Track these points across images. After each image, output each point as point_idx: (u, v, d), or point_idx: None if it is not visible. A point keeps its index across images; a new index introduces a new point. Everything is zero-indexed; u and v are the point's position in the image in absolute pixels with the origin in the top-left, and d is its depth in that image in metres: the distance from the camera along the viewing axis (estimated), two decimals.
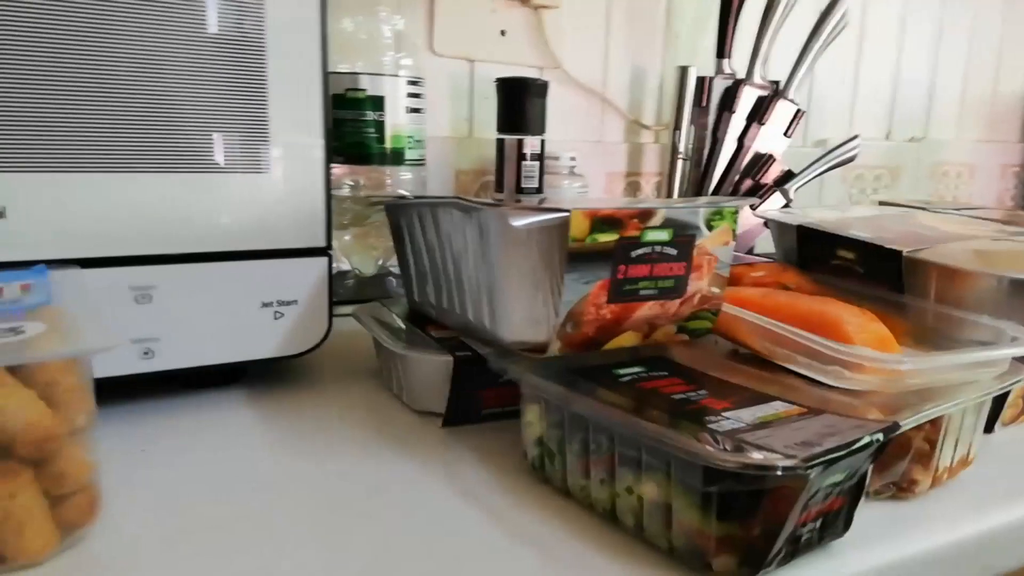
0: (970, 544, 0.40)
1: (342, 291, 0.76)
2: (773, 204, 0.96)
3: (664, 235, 0.40)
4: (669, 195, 1.01)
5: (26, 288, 0.38)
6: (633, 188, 1.06)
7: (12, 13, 0.40)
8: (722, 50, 0.99)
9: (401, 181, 0.80)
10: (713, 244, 0.41)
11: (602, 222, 0.38)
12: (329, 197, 0.51)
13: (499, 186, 0.86)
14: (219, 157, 0.46)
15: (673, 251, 0.40)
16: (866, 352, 0.38)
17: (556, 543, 0.35)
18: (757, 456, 0.30)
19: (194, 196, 0.46)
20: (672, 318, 0.42)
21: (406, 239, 0.51)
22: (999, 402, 0.49)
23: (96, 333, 0.32)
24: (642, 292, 0.40)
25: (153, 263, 0.46)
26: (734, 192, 0.99)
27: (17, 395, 0.29)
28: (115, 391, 0.47)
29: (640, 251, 0.39)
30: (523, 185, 0.85)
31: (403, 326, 0.52)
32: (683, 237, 0.40)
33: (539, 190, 0.86)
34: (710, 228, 0.41)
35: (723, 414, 0.36)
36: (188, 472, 0.40)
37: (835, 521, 0.35)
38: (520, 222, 0.37)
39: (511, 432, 0.46)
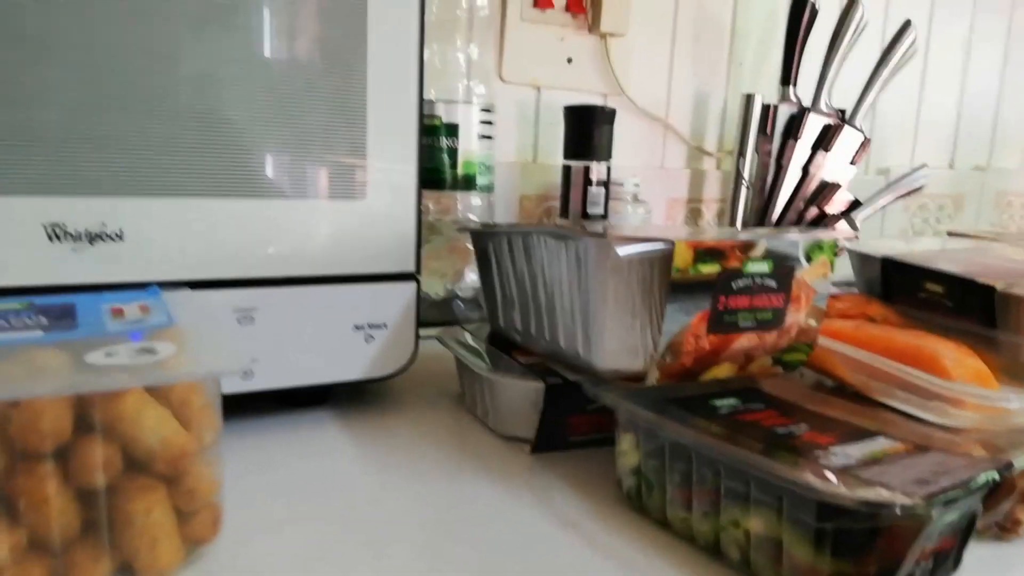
0: None
1: (423, 314, 0.77)
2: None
3: (765, 267, 0.40)
4: (732, 222, 1.01)
5: (145, 309, 0.40)
6: (694, 214, 1.06)
7: (130, 40, 0.42)
8: (787, 77, 0.99)
9: (471, 206, 0.82)
10: (812, 276, 0.42)
11: (705, 253, 0.38)
12: (420, 223, 0.52)
13: (564, 211, 0.87)
14: (319, 184, 0.48)
15: (773, 283, 0.41)
16: (970, 388, 0.38)
17: (657, 573, 0.35)
18: (879, 493, 0.30)
19: (294, 221, 0.48)
20: (769, 350, 0.42)
21: (493, 265, 0.52)
22: None
23: (223, 354, 0.33)
24: (741, 323, 0.41)
25: (256, 286, 0.47)
26: (799, 220, 0.98)
27: (155, 413, 0.31)
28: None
29: (741, 282, 0.40)
30: (589, 211, 0.86)
31: (487, 350, 0.53)
32: (783, 269, 0.41)
33: (604, 216, 0.87)
34: (809, 260, 0.41)
35: (829, 449, 0.35)
36: (293, 490, 0.41)
37: (946, 561, 0.35)
38: (626, 251, 0.37)
39: (599, 461, 0.46)
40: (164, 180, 0.44)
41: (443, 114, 0.77)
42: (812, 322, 0.43)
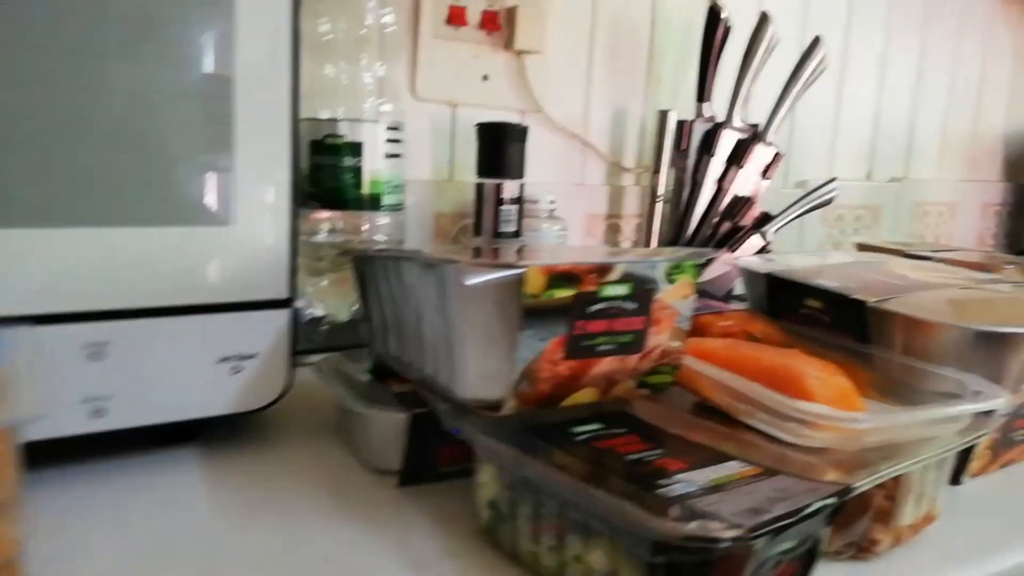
0: None
1: (316, 337, 0.75)
2: (752, 247, 0.96)
3: (623, 289, 0.39)
4: (648, 238, 1.01)
5: None
6: (614, 230, 1.06)
7: None
8: (702, 93, 1.00)
9: (379, 227, 0.80)
10: (673, 298, 0.41)
11: (559, 277, 0.38)
12: (295, 247, 0.50)
13: (478, 230, 0.86)
14: (179, 210, 0.46)
15: (632, 305, 0.40)
16: (822, 410, 0.38)
17: None
18: (703, 527, 0.29)
19: (152, 249, 0.46)
20: (631, 373, 0.42)
21: (371, 291, 0.51)
22: (966, 454, 0.49)
23: (30, 398, 0.31)
24: (600, 348, 0.40)
25: (108, 319, 0.45)
26: (713, 235, 0.99)
27: None
28: (67, 450, 0.47)
29: (598, 306, 0.39)
30: (501, 229, 0.85)
31: (365, 380, 0.51)
32: (642, 291, 0.40)
33: (517, 234, 0.86)
34: (670, 282, 0.41)
35: (676, 476, 0.35)
36: (128, 542, 0.39)
37: None
38: (473, 280, 0.37)
39: (468, 491, 0.45)
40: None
41: (347, 133, 0.76)
42: (675, 344, 0.42)
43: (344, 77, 0.77)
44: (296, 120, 0.49)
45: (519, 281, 0.37)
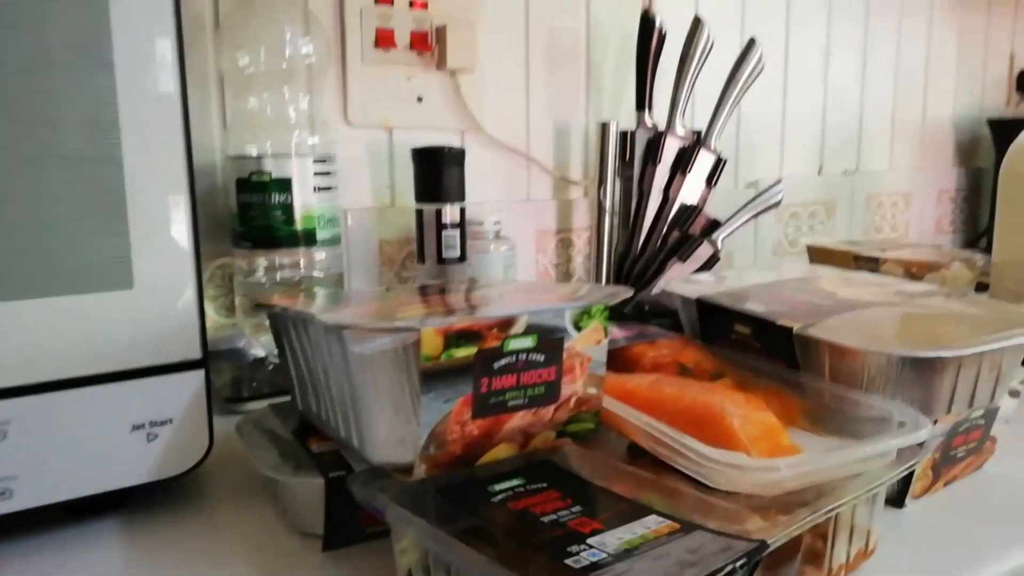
0: None
1: (260, 378, 0.73)
2: (701, 256, 0.95)
3: (528, 342, 0.38)
4: (599, 251, 1.00)
5: None
6: (566, 244, 1.05)
7: None
8: (642, 103, 0.99)
9: (316, 262, 0.79)
10: (584, 345, 0.40)
11: (458, 336, 0.36)
12: (202, 305, 0.48)
13: (420, 257, 0.85)
14: (74, 277, 0.44)
15: (540, 357, 0.39)
16: (737, 459, 0.37)
17: None
18: None
19: (47, 320, 0.44)
20: (549, 424, 0.41)
21: (285, 346, 0.49)
22: (907, 478, 0.48)
23: None
24: (511, 403, 0.38)
25: (5, 396, 0.43)
26: (663, 245, 0.98)
27: None
28: None
29: (503, 361, 0.38)
30: (445, 255, 0.84)
31: (288, 438, 0.49)
32: (550, 341, 0.39)
33: (462, 258, 0.85)
34: (579, 328, 0.39)
35: (588, 540, 0.33)
36: None
37: None
38: (362, 348, 0.35)
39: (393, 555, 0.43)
40: None
41: (273, 169, 0.74)
42: (592, 390, 0.41)
43: (269, 110, 0.75)
44: (191, 170, 0.47)
45: (415, 344, 0.35)
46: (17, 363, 0.43)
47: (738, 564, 0.31)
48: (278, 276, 0.77)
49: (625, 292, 0.41)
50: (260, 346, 0.78)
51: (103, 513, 0.49)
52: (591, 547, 0.33)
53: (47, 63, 0.42)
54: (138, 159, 0.45)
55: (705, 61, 0.97)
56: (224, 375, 0.75)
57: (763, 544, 0.32)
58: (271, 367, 0.76)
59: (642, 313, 0.90)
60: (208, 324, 0.80)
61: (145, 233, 0.46)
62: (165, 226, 0.47)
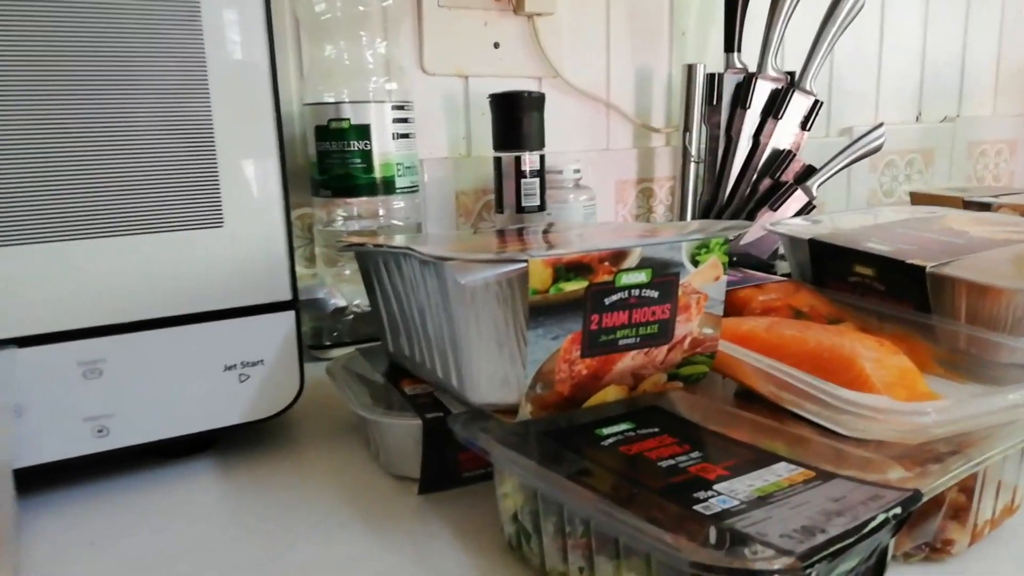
0: None
1: (341, 328, 0.73)
2: (795, 204, 0.90)
3: (642, 276, 0.35)
4: (683, 201, 0.95)
5: None
6: (646, 195, 1.01)
7: None
8: (731, 44, 0.93)
9: (394, 210, 0.77)
10: (701, 281, 0.37)
11: (567, 269, 0.33)
12: (291, 245, 0.47)
13: (499, 206, 0.82)
14: (165, 215, 0.43)
15: (654, 293, 0.36)
16: (881, 402, 0.33)
17: None
18: (743, 558, 0.25)
19: (140, 259, 0.43)
20: (661, 367, 0.38)
21: (376, 287, 0.47)
22: None
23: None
24: (622, 342, 0.36)
25: (100, 335, 0.42)
26: (752, 193, 0.93)
27: None
28: (73, 472, 0.45)
29: (615, 297, 0.35)
30: (524, 204, 0.81)
31: (380, 380, 0.48)
32: (665, 276, 0.36)
33: (542, 207, 0.82)
34: (695, 264, 0.36)
35: (715, 487, 0.31)
36: (138, 560, 0.37)
37: None
38: (468, 278, 0.33)
39: (493, 498, 0.41)
40: None
41: (351, 116, 0.72)
42: (708, 331, 0.38)
43: (346, 57, 0.73)
44: (279, 113, 0.45)
45: (523, 276, 0.33)
46: (110, 302, 0.43)
47: (892, 514, 0.27)
48: (357, 225, 0.76)
49: (745, 225, 0.38)
50: (341, 296, 0.77)
51: (194, 455, 0.48)
52: (720, 493, 0.30)
53: (139, 21, 0.41)
54: (226, 102, 0.44)
55: None
56: (305, 324, 0.74)
57: (917, 494, 0.29)
58: (351, 316, 0.75)
59: (731, 265, 0.85)
60: None
61: (234, 172, 0.45)
62: (253, 167, 0.45)
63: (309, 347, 0.68)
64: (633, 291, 0.35)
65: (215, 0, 0.43)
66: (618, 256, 0.34)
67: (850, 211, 0.85)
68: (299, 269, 0.82)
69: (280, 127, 0.46)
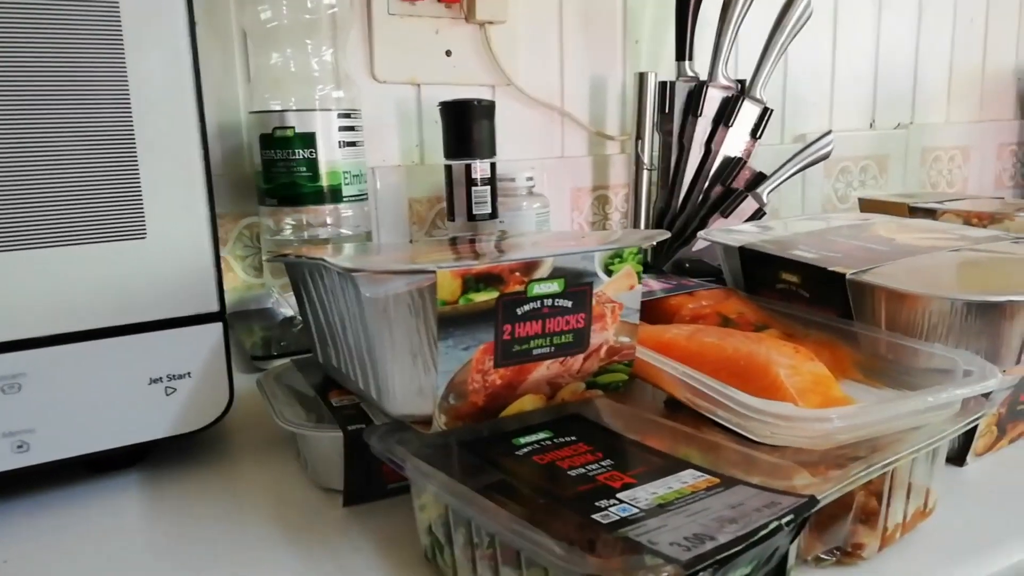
0: None
1: (289, 338, 0.72)
2: (746, 211, 0.91)
3: (554, 287, 0.35)
4: (636, 208, 0.96)
5: None
6: (602, 202, 1.02)
7: None
8: (682, 52, 0.94)
9: (343, 219, 0.77)
10: (615, 290, 0.37)
11: (476, 280, 0.33)
12: (218, 256, 0.47)
13: (451, 214, 0.82)
14: (85, 227, 0.43)
15: (568, 303, 0.36)
16: (786, 410, 0.33)
17: None
18: (628, 566, 0.25)
19: (60, 271, 0.42)
20: (578, 375, 0.38)
21: (304, 298, 0.47)
22: (969, 433, 0.44)
23: None
24: (536, 352, 0.36)
25: (17, 349, 0.42)
26: (704, 200, 0.94)
27: None
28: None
29: (527, 307, 0.35)
30: (475, 211, 0.81)
31: (311, 393, 0.48)
32: (578, 286, 0.36)
33: (493, 215, 0.82)
34: (609, 273, 0.37)
35: (619, 495, 0.31)
36: None
37: None
38: (372, 292, 0.33)
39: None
40: None
41: (296, 124, 0.72)
42: (624, 339, 0.38)
43: (292, 65, 0.73)
44: (203, 118, 0.45)
45: (433, 288, 0.33)
46: (29, 315, 0.42)
47: (784, 521, 0.28)
48: (306, 234, 0.76)
49: (661, 235, 0.38)
50: (289, 305, 0.77)
51: (123, 468, 0.48)
52: (621, 502, 0.30)
53: (56, 30, 0.40)
54: (148, 112, 0.43)
55: (750, 6, 0.91)
56: (254, 335, 0.74)
57: (812, 500, 0.29)
58: (300, 326, 0.75)
59: (682, 271, 0.86)
60: (237, 284, 0.80)
61: (157, 183, 0.44)
62: (177, 176, 0.45)
63: (258, 358, 0.67)
64: (546, 301, 0.35)
65: (136, 10, 0.43)
66: (529, 267, 0.34)
67: (790, 218, 0.86)
68: (247, 278, 0.81)
69: (205, 137, 0.45)
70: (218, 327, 0.47)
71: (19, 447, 0.42)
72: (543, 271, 0.35)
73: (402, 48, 0.86)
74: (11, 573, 0.38)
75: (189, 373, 0.46)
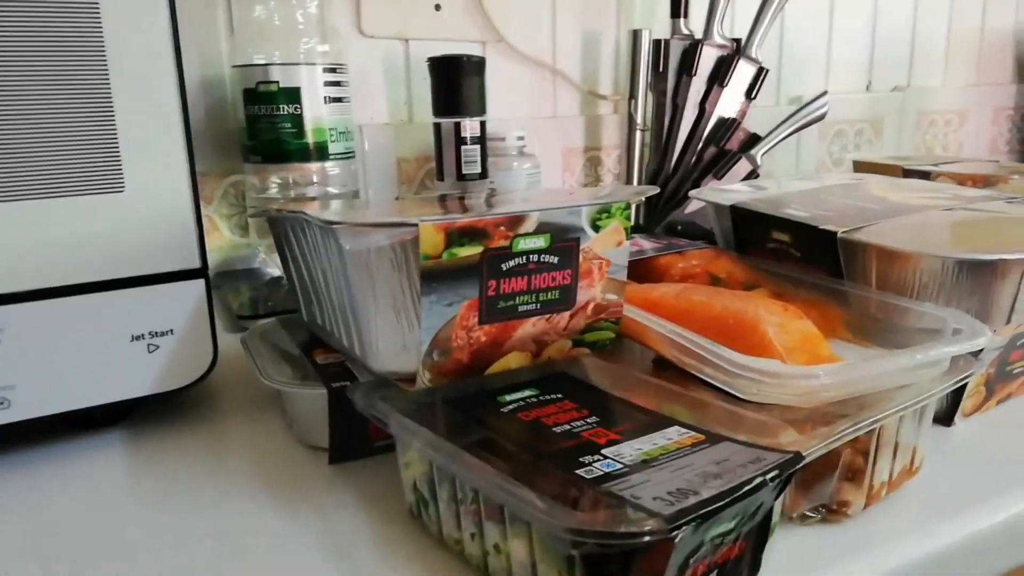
0: (914, 569, 0.35)
1: (276, 297, 0.71)
2: (739, 172, 0.90)
3: (540, 242, 0.35)
4: (629, 169, 0.95)
5: None
6: (594, 163, 1.00)
7: None
8: (677, 9, 0.92)
9: (330, 177, 0.75)
10: (603, 246, 0.36)
11: (460, 234, 0.33)
12: (198, 210, 0.46)
13: (440, 174, 0.81)
14: (62, 179, 0.41)
15: (554, 259, 0.35)
16: (771, 366, 0.33)
17: None
18: (610, 520, 0.25)
19: (37, 225, 0.41)
20: (564, 333, 0.37)
21: (287, 254, 0.46)
22: (958, 393, 0.44)
23: None
24: (521, 308, 0.35)
25: None
26: (698, 161, 0.93)
27: None
28: None
29: (512, 263, 0.34)
30: (464, 171, 0.80)
31: (295, 351, 0.47)
32: (564, 242, 0.35)
33: (483, 175, 0.81)
34: (596, 229, 0.36)
35: (603, 451, 0.31)
36: (43, 533, 0.36)
37: (736, 569, 0.30)
38: (353, 246, 0.32)
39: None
40: None
41: (281, 78, 0.70)
42: (612, 296, 0.38)
43: (276, 18, 0.71)
44: (181, 70, 0.43)
45: (416, 242, 0.32)
46: (7, 269, 0.41)
47: (768, 477, 0.28)
48: (292, 193, 0.74)
49: (651, 190, 0.37)
50: (276, 265, 0.76)
51: (106, 426, 0.47)
52: (605, 457, 0.30)
53: None
54: (124, 62, 0.42)
55: None
56: (241, 294, 0.73)
57: (797, 456, 0.29)
58: (287, 286, 0.74)
59: (675, 233, 0.85)
60: (222, 243, 0.79)
61: (134, 135, 0.43)
62: (155, 129, 0.44)
63: (245, 317, 0.67)
64: (532, 257, 0.34)
65: None
66: (514, 222, 0.34)
67: (783, 178, 0.85)
68: (233, 237, 0.80)
69: (183, 89, 0.44)
70: (200, 284, 0.46)
71: (0, 403, 0.42)
72: (528, 226, 0.34)
73: (390, 1, 0.84)
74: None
75: (172, 330, 0.46)
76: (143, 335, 0.45)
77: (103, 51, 0.41)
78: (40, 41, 0.40)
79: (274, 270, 0.76)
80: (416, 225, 0.32)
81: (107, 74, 0.42)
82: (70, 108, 0.41)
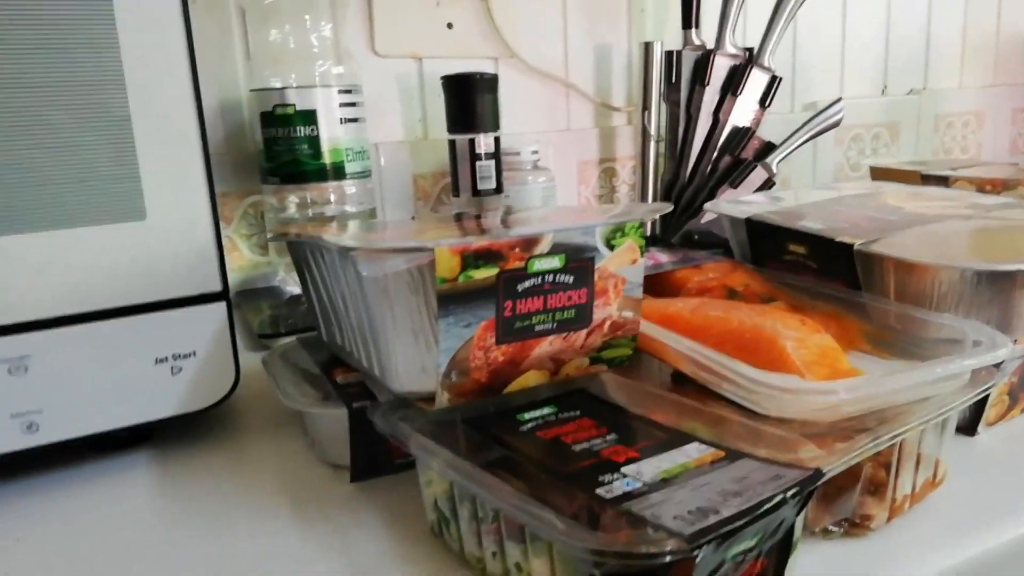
0: None
1: (296, 315, 0.72)
2: (755, 181, 0.90)
3: (555, 262, 0.35)
4: (644, 180, 0.95)
5: None
6: (609, 175, 1.01)
7: None
8: (688, 20, 0.92)
9: (347, 196, 0.76)
10: (618, 265, 0.36)
11: (476, 257, 0.33)
12: (219, 235, 0.46)
13: (455, 190, 0.82)
14: (86, 209, 0.42)
15: (569, 278, 0.35)
16: (791, 382, 0.33)
17: None
18: (630, 540, 0.25)
19: (61, 254, 0.42)
20: (581, 351, 0.38)
21: (306, 276, 0.47)
22: (981, 403, 0.44)
23: None
24: (538, 328, 0.36)
25: (23, 331, 0.42)
26: (713, 171, 0.93)
27: None
28: (3, 469, 0.45)
29: (528, 283, 0.35)
30: (480, 187, 0.80)
31: (316, 370, 0.48)
32: (579, 262, 0.35)
33: (498, 190, 0.81)
34: (611, 248, 0.36)
35: (623, 469, 0.31)
36: (70, 556, 0.37)
37: None
38: (370, 271, 0.32)
39: None
40: None
41: (297, 101, 0.71)
42: (628, 314, 0.38)
43: (292, 41, 0.72)
44: (199, 97, 0.44)
45: (432, 265, 0.32)
46: (32, 297, 0.42)
47: (789, 494, 0.28)
48: (310, 212, 0.75)
49: (665, 207, 0.37)
50: (295, 283, 0.76)
51: (131, 448, 0.48)
52: (625, 476, 0.30)
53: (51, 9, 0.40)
54: (144, 92, 0.43)
55: None
56: (261, 313, 0.74)
57: (818, 473, 0.29)
58: (307, 304, 0.75)
59: (691, 244, 0.85)
60: (243, 263, 0.80)
61: (155, 164, 0.44)
62: (176, 157, 0.45)
63: (266, 336, 0.67)
64: (547, 277, 0.35)
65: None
66: (529, 243, 0.34)
67: (800, 188, 0.85)
68: (253, 257, 0.81)
69: (201, 115, 0.45)
70: (222, 307, 0.47)
71: (29, 427, 0.43)
72: (543, 247, 0.34)
73: (402, 21, 0.85)
74: (24, 551, 0.38)
75: (194, 352, 0.46)
76: (167, 358, 0.46)
77: (122, 80, 0.42)
78: (60, 72, 0.41)
79: (294, 288, 0.77)
80: (432, 249, 0.32)
81: (127, 103, 0.43)
82: (92, 139, 0.42)
